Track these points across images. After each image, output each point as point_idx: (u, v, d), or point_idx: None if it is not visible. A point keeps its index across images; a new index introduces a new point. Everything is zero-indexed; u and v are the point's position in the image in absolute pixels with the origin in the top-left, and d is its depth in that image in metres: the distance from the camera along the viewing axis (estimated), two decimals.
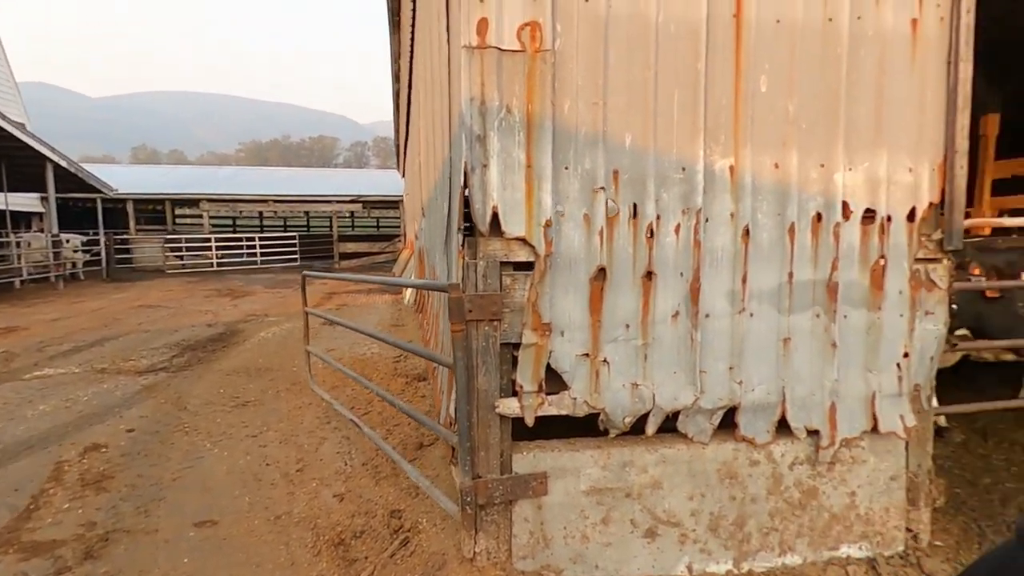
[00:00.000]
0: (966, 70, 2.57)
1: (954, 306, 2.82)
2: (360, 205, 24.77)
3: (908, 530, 2.79)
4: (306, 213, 31.40)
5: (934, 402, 2.80)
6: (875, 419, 2.66)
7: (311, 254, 24.22)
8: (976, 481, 3.83)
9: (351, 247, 24.19)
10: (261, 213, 29.55)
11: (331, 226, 24.88)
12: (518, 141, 2.31)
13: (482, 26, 2.24)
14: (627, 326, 2.47)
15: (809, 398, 2.61)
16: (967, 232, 5.63)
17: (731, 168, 2.47)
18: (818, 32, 2.49)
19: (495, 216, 2.32)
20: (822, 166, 2.54)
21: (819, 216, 2.55)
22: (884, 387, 2.66)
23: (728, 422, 2.62)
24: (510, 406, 2.43)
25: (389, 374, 6.37)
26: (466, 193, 2.33)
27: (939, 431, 4.59)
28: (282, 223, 34.22)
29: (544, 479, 2.49)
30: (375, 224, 34.88)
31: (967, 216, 9.16)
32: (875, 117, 2.56)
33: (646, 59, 2.38)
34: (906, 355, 2.67)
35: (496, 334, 2.39)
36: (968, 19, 2.55)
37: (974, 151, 10.01)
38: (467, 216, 2.39)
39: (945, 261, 2.67)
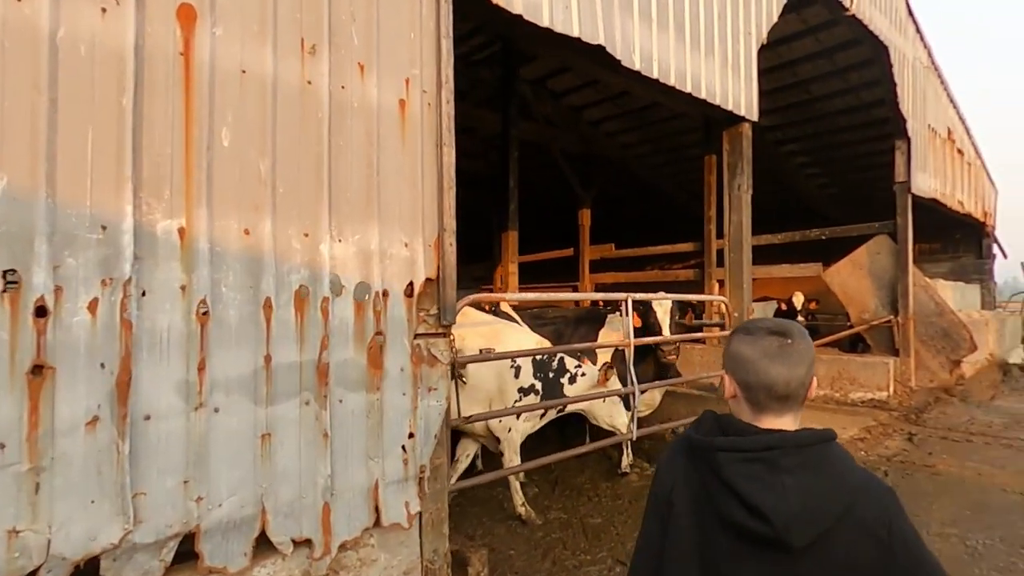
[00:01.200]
0: (450, 154, 2.72)
1: (464, 380, 2.89)
2: None
3: None
4: None
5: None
6: (378, 512, 2.44)
7: None
8: (531, 536, 4.12)
9: None
10: None
11: None
12: None
13: None
14: (2, 446, 1.70)
15: (298, 502, 2.23)
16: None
17: (181, 231, 2.02)
18: (296, 92, 2.30)
19: None
20: (306, 235, 2.30)
21: (304, 290, 2.28)
22: (388, 473, 2.48)
23: (190, 550, 2.04)
24: None
25: None
26: None
27: (522, 486, 4.94)
28: None
29: None
30: None
31: (576, 289, 11.07)
32: (366, 189, 2.48)
33: (36, 79, 1.78)
34: (411, 435, 2.56)
35: None
36: (448, 109, 2.73)
37: (574, 239, 12.41)
38: None
39: (446, 335, 2.71)
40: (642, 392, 4.00)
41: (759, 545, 1.07)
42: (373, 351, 2.46)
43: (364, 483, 2.41)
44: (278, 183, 2.24)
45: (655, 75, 4.09)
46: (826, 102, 10.98)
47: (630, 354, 3.90)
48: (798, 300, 9.80)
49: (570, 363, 4.44)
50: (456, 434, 4.32)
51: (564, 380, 4.39)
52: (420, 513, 2.58)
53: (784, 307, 10.01)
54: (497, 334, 4.36)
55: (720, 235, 9.99)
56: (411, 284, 2.60)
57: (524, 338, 4.40)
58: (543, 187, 16.19)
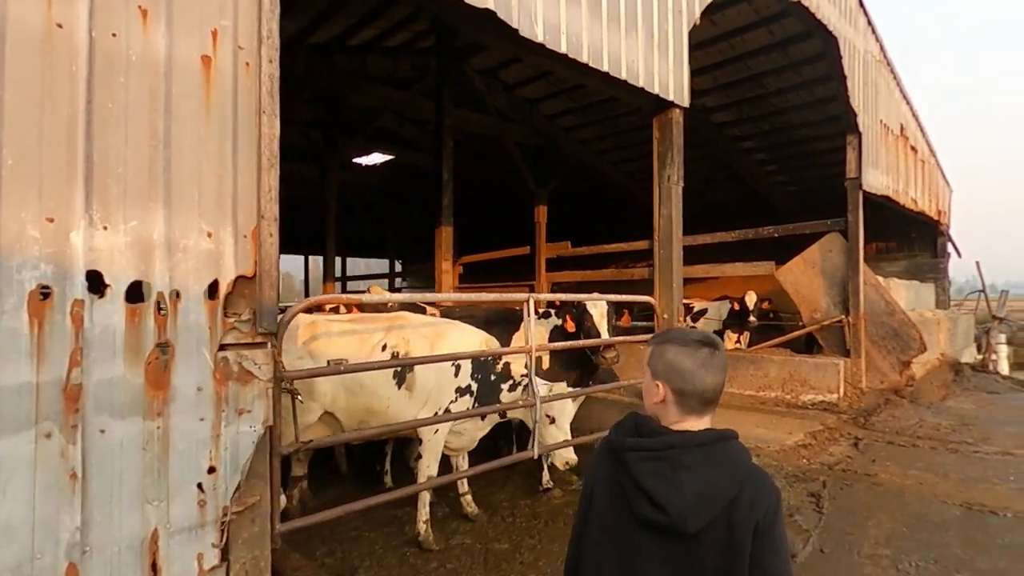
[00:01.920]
0: (271, 125, 2.24)
1: (300, 399, 2.41)
2: None
3: None
4: None
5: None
6: (156, 570, 1.95)
7: None
8: (424, 567, 3.64)
9: None
10: None
11: None
12: None
13: None
14: None
15: (28, 565, 1.73)
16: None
17: None
18: (36, 37, 1.80)
19: None
20: (50, 221, 1.80)
21: (45, 291, 1.78)
22: (175, 519, 1.99)
23: None
24: None
25: None
26: None
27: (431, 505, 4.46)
28: None
29: None
30: None
31: (532, 288, 10.59)
32: (149, 164, 1.99)
33: None
34: (212, 470, 2.07)
35: None
36: (271, 69, 2.25)
37: (530, 236, 12.00)
38: None
39: (268, 346, 2.23)
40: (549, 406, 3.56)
41: (662, 533, 1.21)
42: (154, 367, 1.96)
43: (136, 533, 1.91)
44: (4, 153, 1.73)
45: (563, 50, 3.66)
46: (781, 97, 10.75)
47: (532, 362, 3.46)
48: (750, 300, 9.53)
49: (517, 370, 4.00)
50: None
51: (504, 386, 3.99)
52: (226, 565, 2.09)
53: (736, 307, 9.73)
54: (440, 335, 3.91)
55: None
56: (216, 283, 2.11)
57: (470, 337, 3.96)
58: (500, 183, 15.75)
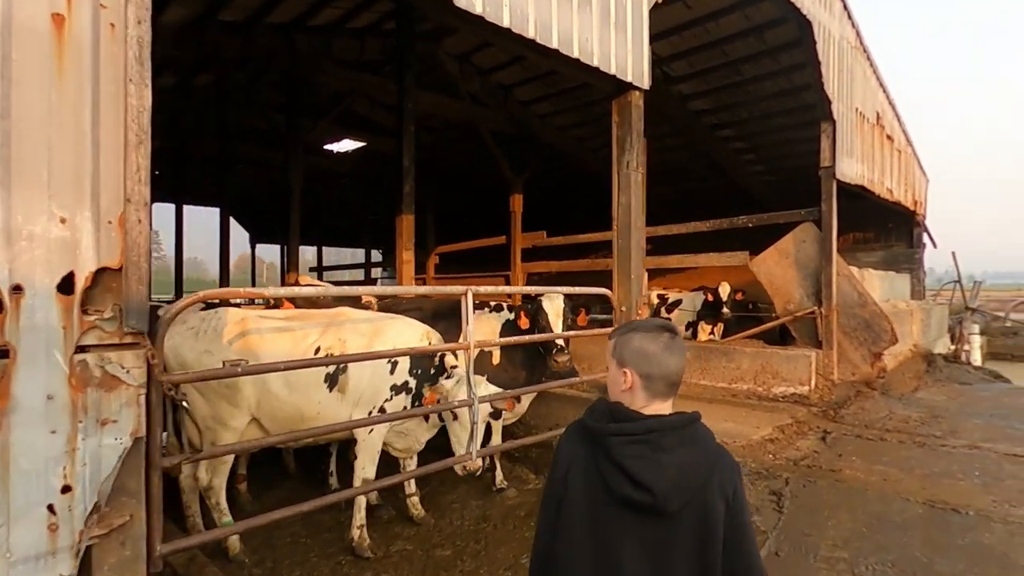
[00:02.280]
0: (142, 96, 1.97)
1: (185, 404, 2.16)
2: None
3: None
4: None
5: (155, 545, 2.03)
6: None
7: None
8: None
9: None
10: None
11: None
12: None
13: None
14: None
15: None
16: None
17: None
18: None
19: None
20: None
21: None
22: (18, 547, 1.74)
23: None
24: None
25: None
26: None
27: (371, 509, 4.25)
28: None
29: None
30: None
31: (507, 279, 10.31)
32: None
33: None
34: (67, 489, 1.82)
35: None
36: (140, 32, 1.98)
37: (505, 226, 11.69)
38: None
39: (137, 346, 1.97)
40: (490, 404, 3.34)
41: (641, 513, 1.28)
42: None
43: None
44: None
45: (506, 24, 3.40)
46: (758, 85, 10.56)
47: (470, 359, 3.23)
48: (724, 291, 9.39)
49: (451, 360, 3.75)
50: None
51: (442, 380, 3.73)
52: None
53: (710, 298, 9.59)
54: (379, 332, 3.67)
55: (650, 223, 9.50)
56: (71, 276, 1.85)
57: (410, 333, 3.72)
58: (477, 171, 15.44)
